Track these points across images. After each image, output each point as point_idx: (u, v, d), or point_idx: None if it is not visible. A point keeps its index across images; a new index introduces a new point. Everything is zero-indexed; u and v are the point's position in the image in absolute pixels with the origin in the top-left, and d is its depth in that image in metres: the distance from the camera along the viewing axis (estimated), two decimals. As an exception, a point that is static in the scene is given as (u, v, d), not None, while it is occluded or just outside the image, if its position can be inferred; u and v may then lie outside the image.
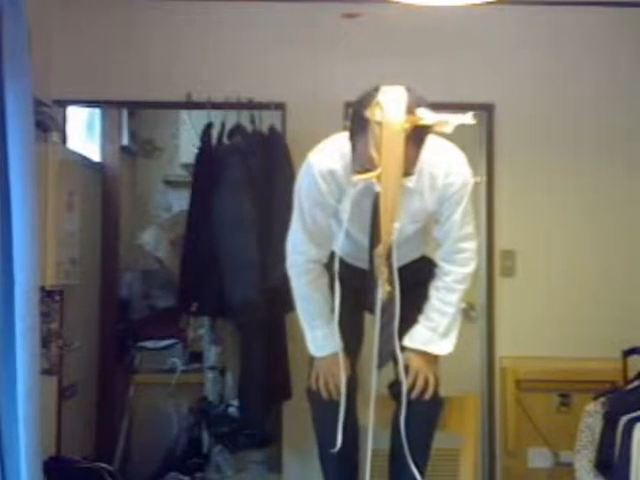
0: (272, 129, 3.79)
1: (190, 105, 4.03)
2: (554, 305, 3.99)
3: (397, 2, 2.90)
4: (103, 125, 4.50)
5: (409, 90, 2.19)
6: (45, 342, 3.30)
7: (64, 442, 3.73)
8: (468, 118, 2.16)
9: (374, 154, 2.11)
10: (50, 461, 3.27)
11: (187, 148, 4.55)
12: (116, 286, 4.53)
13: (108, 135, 4.51)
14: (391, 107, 2.12)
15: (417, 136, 2.15)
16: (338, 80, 3.98)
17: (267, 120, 3.84)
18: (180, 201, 4.65)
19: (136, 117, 5.03)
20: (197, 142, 3.90)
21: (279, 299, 3.59)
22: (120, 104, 4.27)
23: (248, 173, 3.61)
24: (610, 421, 3.20)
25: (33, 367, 2.15)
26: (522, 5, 4.01)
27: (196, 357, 4.53)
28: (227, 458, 4.15)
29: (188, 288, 3.79)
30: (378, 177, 2.13)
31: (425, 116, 2.12)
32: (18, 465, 2.14)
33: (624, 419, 3.11)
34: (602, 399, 3.37)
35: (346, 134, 2.33)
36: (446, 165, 2.42)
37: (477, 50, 4.02)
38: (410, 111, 2.12)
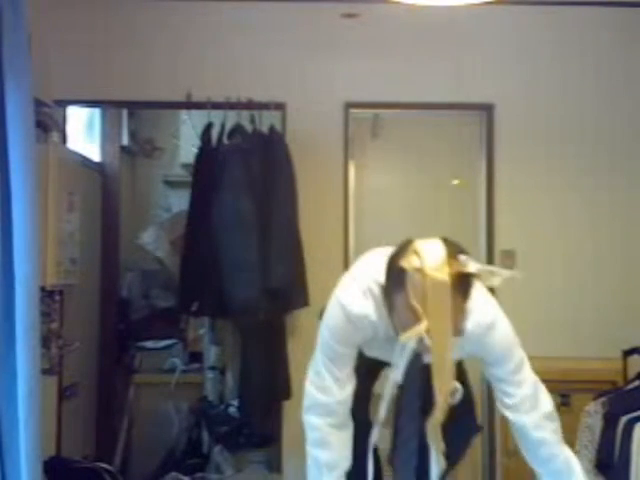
0: (272, 129, 3.79)
1: (190, 105, 4.03)
2: (554, 305, 3.99)
3: (397, 2, 2.89)
4: (103, 125, 4.50)
5: (445, 240, 1.95)
6: (45, 342, 3.30)
7: (64, 442, 3.73)
8: (516, 274, 1.95)
9: (417, 305, 1.85)
10: (50, 461, 3.27)
11: (187, 148, 4.55)
12: (116, 286, 4.53)
13: (108, 135, 4.50)
14: (430, 253, 1.89)
15: (462, 286, 1.89)
16: (338, 80, 3.98)
17: (267, 120, 3.84)
18: (180, 201, 4.64)
19: (136, 117, 5.03)
20: (197, 142, 3.90)
21: (279, 299, 3.60)
22: (120, 104, 4.27)
23: (248, 173, 3.61)
24: (610, 421, 3.20)
25: (33, 367, 2.15)
26: (522, 5, 4.01)
27: (196, 357, 4.53)
28: (227, 458, 4.15)
29: (188, 288, 3.79)
30: (427, 331, 1.85)
31: (468, 264, 1.88)
32: (18, 465, 2.14)
33: (624, 419, 3.11)
34: (602, 399, 3.36)
35: (367, 264, 2.24)
36: (489, 320, 2.17)
37: (477, 50, 4.03)
38: (451, 257, 1.88)
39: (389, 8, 3.43)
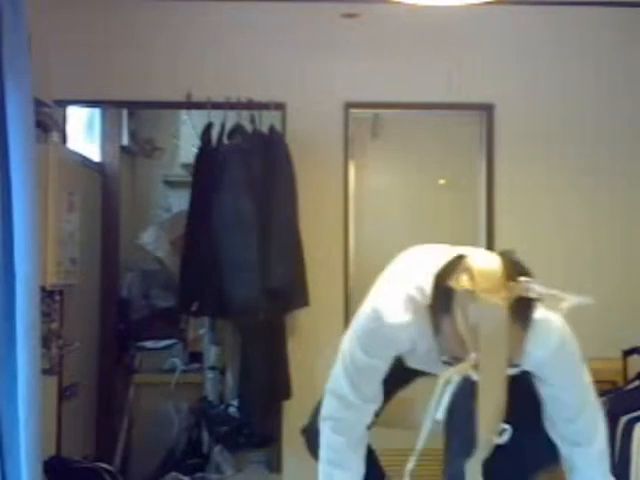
0: (272, 129, 3.79)
1: (190, 105, 4.03)
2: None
3: (397, 2, 2.90)
4: (103, 125, 4.50)
5: (504, 255, 1.70)
6: (45, 342, 3.30)
7: (64, 442, 3.73)
8: (586, 299, 1.80)
9: (466, 336, 1.61)
10: (50, 461, 3.27)
11: (187, 148, 4.55)
12: (116, 286, 4.53)
13: (108, 135, 4.50)
14: (485, 272, 1.63)
15: (521, 314, 1.65)
16: (338, 80, 3.98)
17: (267, 120, 3.84)
18: (180, 201, 4.64)
19: (136, 117, 5.03)
20: (197, 142, 3.90)
21: (279, 299, 3.60)
22: (120, 104, 4.27)
23: (248, 173, 3.61)
24: (610, 421, 3.19)
25: (34, 367, 2.15)
26: (522, 5, 4.01)
27: (196, 357, 4.53)
28: (227, 458, 4.15)
29: (188, 288, 3.79)
30: (475, 366, 1.62)
31: (530, 287, 1.64)
32: (18, 465, 2.14)
33: (624, 419, 3.11)
34: (602, 399, 3.35)
35: (409, 266, 1.95)
36: (555, 341, 1.93)
37: (477, 50, 4.02)
38: (509, 278, 1.64)
39: (389, 8, 3.44)
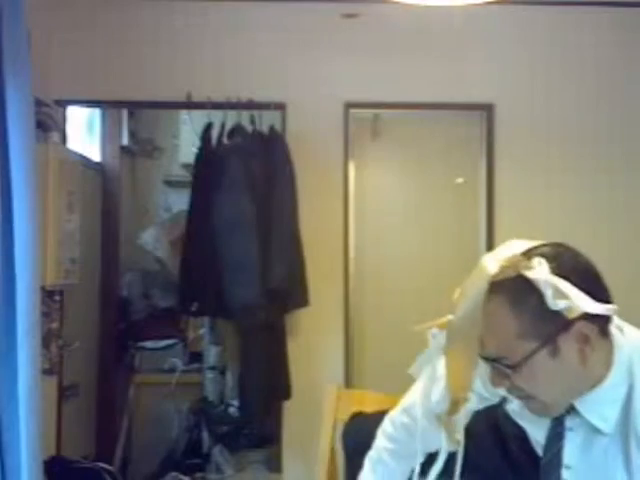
0: (272, 129, 3.79)
1: (190, 105, 4.03)
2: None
3: (397, 2, 2.89)
4: (103, 125, 4.51)
5: (555, 245, 1.54)
6: (45, 342, 3.30)
7: (64, 442, 3.73)
8: (611, 309, 1.52)
9: (457, 293, 1.48)
10: (50, 461, 3.27)
11: (187, 148, 4.55)
12: (116, 286, 4.54)
13: (108, 135, 4.51)
14: (508, 246, 1.53)
15: (515, 294, 1.42)
16: (338, 80, 3.98)
17: (267, 120, 3.84)
18: (180, 201, 4.64)
19: (136, 117, 5.03)
20: (197, 142, 3.90)
21: (279, 299, 3.60)
22: (120, 104, 4.27)
23: (248, 173, 3.61)
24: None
25: (34, 367, 2.15)
26: (522, 5, 4.01)
27: (196, 357, 4.54)
28: (227, 458, 4.15)
29: (188, 288, 3.79)
30: (442, 325, 1.51)
31: (537, 269, 1.42)
32: (18, 465, 2.14)
33: None
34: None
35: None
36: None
37: (477, 50, 4.02)
38: (525, 256, 1.47)
39: (389, 8, 3.43)
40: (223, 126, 3.79)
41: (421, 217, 4.32)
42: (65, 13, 3.88)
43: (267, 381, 3.65)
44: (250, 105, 3.84)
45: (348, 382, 3.87)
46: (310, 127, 3.96)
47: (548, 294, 1.37)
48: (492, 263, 1.42)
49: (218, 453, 4.16)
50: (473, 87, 4.01)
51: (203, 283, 3.66)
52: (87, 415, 4.23)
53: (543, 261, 1.43)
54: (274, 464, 4.04)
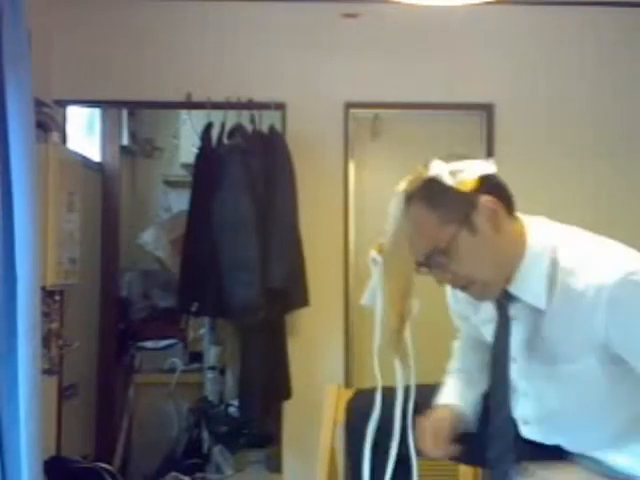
0: (272, 129, 3.80)
1: (190, 105, 4.03)
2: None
3: (397, 2, 2.90)
4: (103, 125, 4.50)
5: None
6: (45, 342, 3.30)
7: (64, 442, 3.73)
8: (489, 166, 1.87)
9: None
10: (50, 461, 3.27)
11: (187, 148, 4.55)
12: (116, 286, 4.53)
13: (108, 135, 4.51)
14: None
15: (426, 194, 1.78)
16: (338, 80, 3.98)
17: (267, 120, 3.84)
18: (180, 201, 4.64)
19: (136, 117, 5.03)
20: (197, 142, 3.90)
21: (279, 299, 3.60)
22: (120, 104, 4.27)
23: (248, 173, 3.61)
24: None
25: (34, 367, 2.15)
26: (522, 5, 4.01)
27: (196, 357, 4.54)
28: (227, 458, 4.15)
29: (188, 288, 3.79)
30: (379, 249, 1.82)
31: (433, 168, 1.80)
32: (18, 465, 2.14)
33: None
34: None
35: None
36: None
37: (477, 50, 4.03)
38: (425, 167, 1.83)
39: (389, 8, 3.44)
40: (223, 126, 3.80)
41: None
42: (65, 13, 3.88)
43: (267, 381, 3.65)
44: (250, 105, 3.84)
45: (348, 382, 3.87)
46: (310, 127, 3.96)
47: (445, 175, 1.71)
48: (400, 185, 1.74)
49: (218, 453, 4.16)
50: (473, 87, 4.02)
51: (203, 283, 3.66)
52: (87, 415, 4.23)
53: (439, 161, 1.77)
54: (274, 464, 4.04)
